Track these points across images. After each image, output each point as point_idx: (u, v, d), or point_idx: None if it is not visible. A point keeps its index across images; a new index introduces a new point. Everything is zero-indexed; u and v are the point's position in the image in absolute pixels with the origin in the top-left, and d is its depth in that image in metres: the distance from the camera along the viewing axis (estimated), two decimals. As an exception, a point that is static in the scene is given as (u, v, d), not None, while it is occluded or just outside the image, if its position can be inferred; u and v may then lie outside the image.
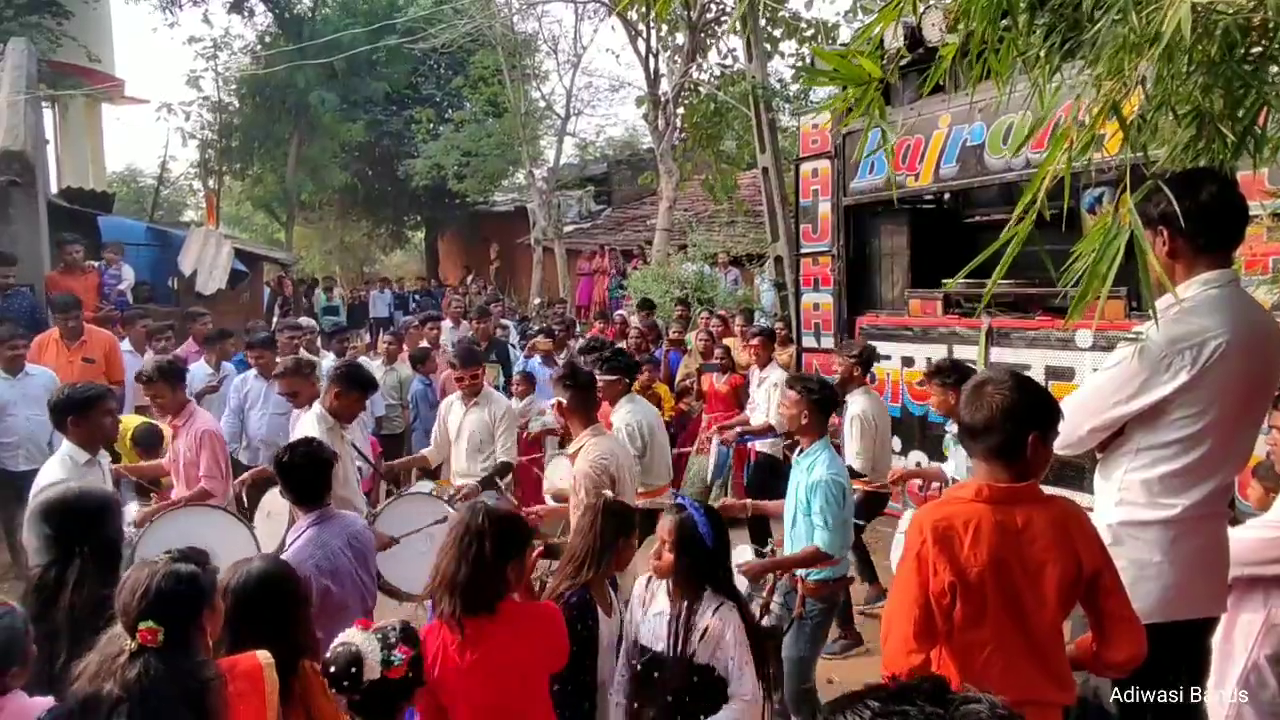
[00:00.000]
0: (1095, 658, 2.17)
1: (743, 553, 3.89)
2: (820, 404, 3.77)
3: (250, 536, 4.04)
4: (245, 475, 5.01)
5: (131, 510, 4.59)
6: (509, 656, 2.44)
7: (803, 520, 3.70)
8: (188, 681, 1.92)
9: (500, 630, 2.44)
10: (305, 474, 3.30)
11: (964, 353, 6.14)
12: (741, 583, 3.57)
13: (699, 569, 2.76)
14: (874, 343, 6.74)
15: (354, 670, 2.14)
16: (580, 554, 2.87)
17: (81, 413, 3.96)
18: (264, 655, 2.11)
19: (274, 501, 4.62)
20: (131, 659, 1.90)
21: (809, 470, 3.70)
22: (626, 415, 4.87)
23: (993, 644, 2.07)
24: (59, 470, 3.85)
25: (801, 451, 3.83)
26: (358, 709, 2.20)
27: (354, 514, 3.75)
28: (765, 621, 3.59)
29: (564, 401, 4.03)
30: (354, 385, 4.48)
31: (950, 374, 4.36)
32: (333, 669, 2.15)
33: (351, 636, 2.21)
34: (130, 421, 5.60)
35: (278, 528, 4.36)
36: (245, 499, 4.98)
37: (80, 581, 2.29)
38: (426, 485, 5.27)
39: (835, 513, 3.60)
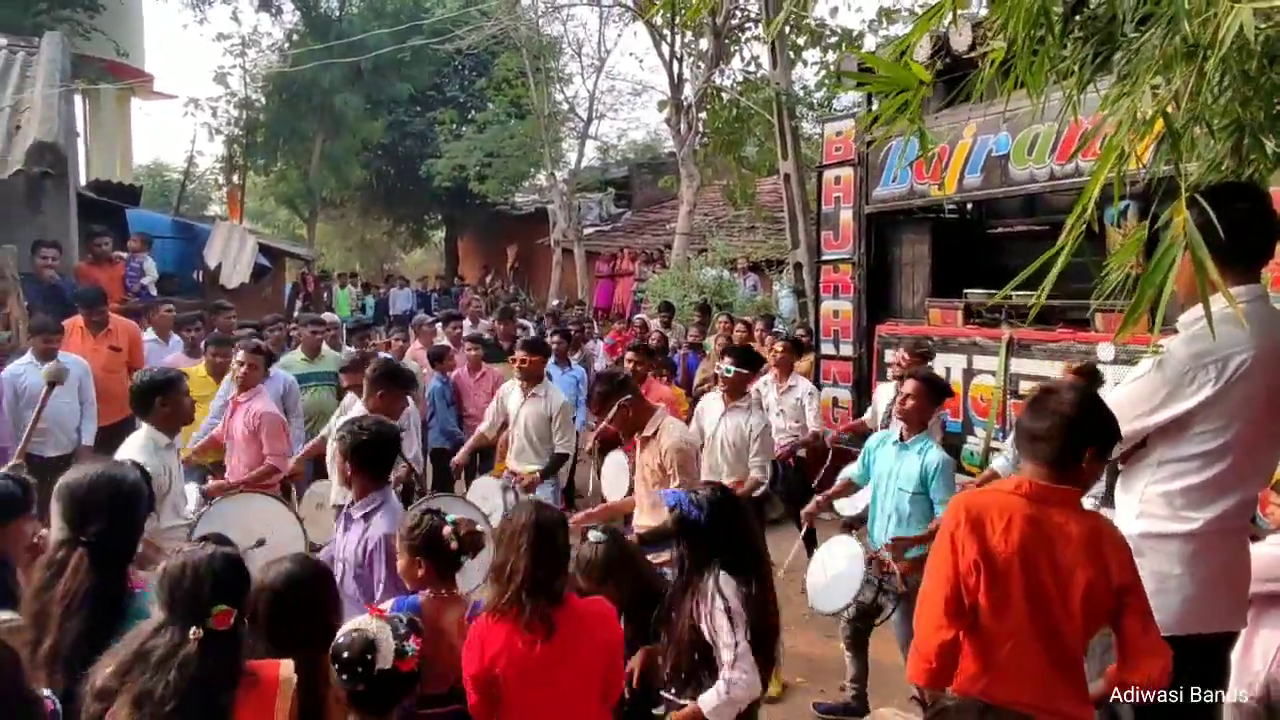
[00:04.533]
0: (1115, 678, 2.18)
1: (845, 542, 4.23)
2: (937, 397, 4.25)
3: (300, 528, 4.11)
4: (294, 460, 5.20)
5: (191, 492, 4.70)
6: (574, 650, 2.46)
7: (914, 500, 4.05)
8: (243, 664, 1.92)
9: (566, 624, 2.46)
10: (379, 449, 3.32)
11: (984, 363, 6.13)
12: (857, 571, 3.93)
13: (700, 548, 2.88)
14: (892, 351, 6.75)
15: (368, 658, 2.05)
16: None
17: (167, 393, 4.01)
18: (287, 667, 2.03)
19: (324, 492, 4.74)
20: (203, 645, 1.87)
21: (921, 454, 4.06)
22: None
23: (1014, 640, 2.11)
24: (140, 454, 3.83)
25: (904, 440, 4.16)
26: (358, 701, 2.11)
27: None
28: (882, 602, 3.98)
29: (625, 397, 4.17)
30: (396, 384, 4.58)
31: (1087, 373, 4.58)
32: (345, 655, 2.06)
33: (365, 624, 2.12)
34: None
35: (327, 518, 4.49)
36: (295, 489, 5.14)
37: (77, 570, 2.24)
38: (492, 483, 5.34)
39: (955, 489, 4.00)
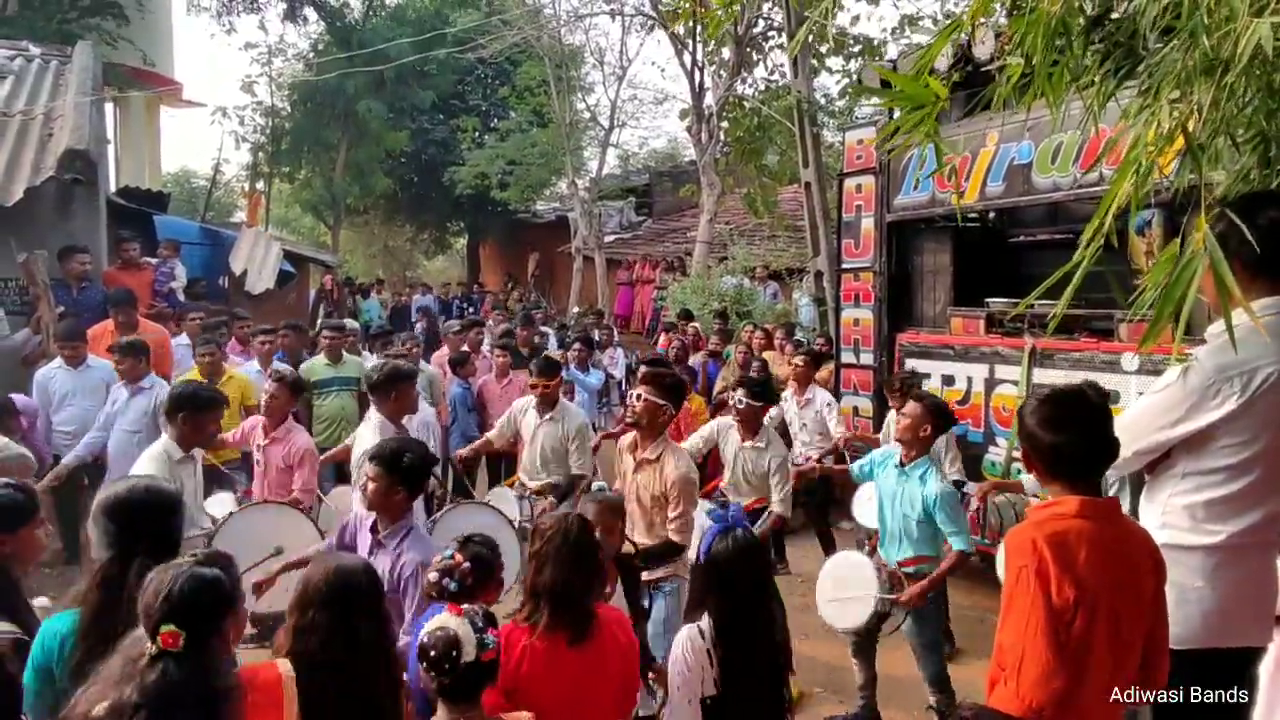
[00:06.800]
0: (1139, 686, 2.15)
1: (857, 561, 4.23)
2: (938, 423, 4.13)
3: (319, 535, 4.10)
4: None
5: (223, 500, 4.72)
6: (601, 657, 2.49)
7: (919, 526, 4.06)
8: (206, 689, 1.88)
9: (594, 631, 2.49)
10: (424, 474, 3.39)
11: (1006, 373, 6.09)
12: (871, 588, 3.96)
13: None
14: (913, 360, 6.72)
15: (454, 654, 2.12)
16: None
17: (199, 410, 4.01)
18: (285, 666, 2.09)
19: (343, 499, 4.74)
20: (152, 663, 1.85)
21: (923, 481, 4.02)
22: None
23: (1091, 670, 2.04)
24: (152, 464, 3.85)
25: (904, 465, 4.12)
26: (447, 693, 2.19)
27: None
28: (894, 611, 4.05)
29: (670, 410, 4.07)
30: (400, 381, 4.57)
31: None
32: (432, 653, 2.13)
33: (445, 621, 2.18)
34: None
35: None
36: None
37: (139, 582, 2.31)
38: (507, 492, 5.33)
39: (962, 517, 4.06)
